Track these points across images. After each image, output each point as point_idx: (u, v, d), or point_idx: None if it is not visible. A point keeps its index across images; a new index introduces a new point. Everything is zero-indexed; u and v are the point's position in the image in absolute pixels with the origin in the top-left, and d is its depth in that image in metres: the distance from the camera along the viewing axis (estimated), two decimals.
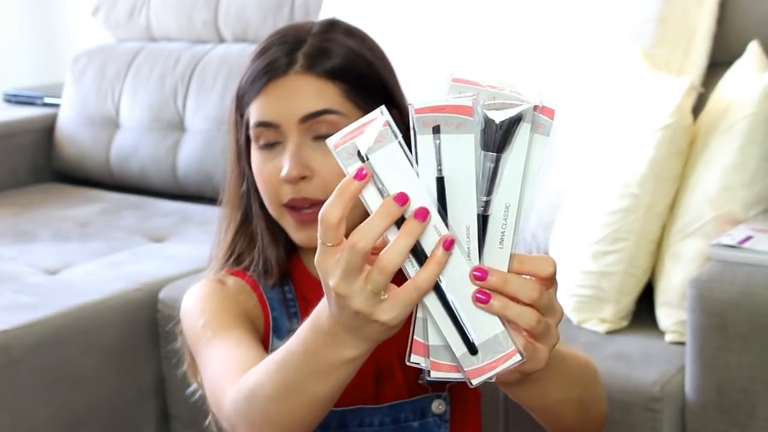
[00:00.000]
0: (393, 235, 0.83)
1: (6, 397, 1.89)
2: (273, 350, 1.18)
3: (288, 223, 1.19)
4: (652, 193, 1.71)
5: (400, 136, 0.83)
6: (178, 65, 2.84)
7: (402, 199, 0.82)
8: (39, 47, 3.64)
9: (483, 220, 0.84)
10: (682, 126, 1.71)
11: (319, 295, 1.19)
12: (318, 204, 1.12)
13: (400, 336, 1.19)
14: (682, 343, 1.65)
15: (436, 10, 2.24)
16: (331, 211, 0.82)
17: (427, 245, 0.84)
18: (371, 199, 0.84)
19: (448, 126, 0.83)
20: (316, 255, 0.85)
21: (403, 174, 0.83)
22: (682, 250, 1.70)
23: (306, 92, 1.15)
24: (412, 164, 0.84)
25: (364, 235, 0.81)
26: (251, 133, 1.18)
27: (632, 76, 1.83)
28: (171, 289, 2.08)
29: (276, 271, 1.22)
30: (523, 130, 0.83)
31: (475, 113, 0.82)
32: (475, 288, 0.84)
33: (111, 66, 2.95)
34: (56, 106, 3.07)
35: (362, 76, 1.18)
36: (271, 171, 1.16)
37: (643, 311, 1.77)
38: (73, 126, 2.99)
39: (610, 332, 1.75)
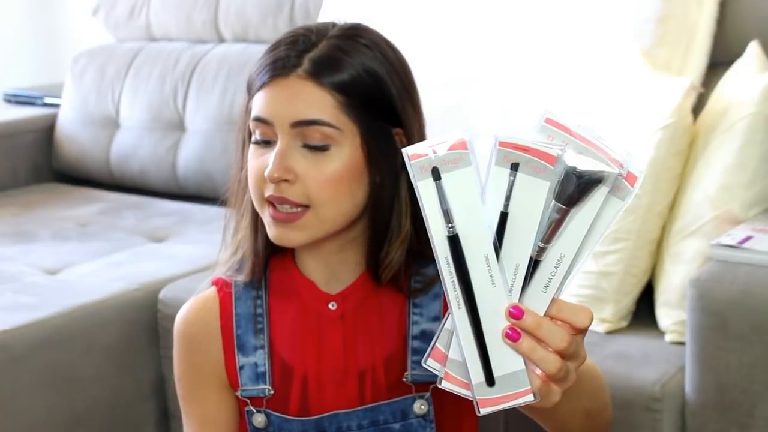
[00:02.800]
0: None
1: (6, 397, 1.89)
2: (240, 367, 1.20)
3: (266, 217, 1.17)
4: (651, 192, 1.71)
5: (476, 161, 0.84)
6: (178, 65, 2.84)
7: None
8: (39, 47, 3.64)
9: (534, 263, 0.85)
10: (682, 126, 1.71)
11: (306, 291, 1.19)
12: (297, 206, 1.13)
13: (387, 336, 1.20)
14: (682, 343, 1.65)
15: (437, 10, 2.24)
16: None
17: (474, 269, 0.84)
18: (433, 218, 0.85)
19: (528, 167, 0.83)
20: None
21: (469, 199, 0.84)
22: (682, 250, 1.70)
23: (303, 98, 1.12)
24: (481, 192, 0.84)
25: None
26: (250, 124, 1.18)
27: (632, 76, 1.83)
28: (171, 289, 2.07)
29: (249, 268, 1.21)
30: (599, 192, 0.84)
31: (558, 163, 0.83)
32: (507, 324, 0.85)
33: (111, 66, 2.95)
34: (56, 106, 3.07)
35: (366, 93, 1.14)
36: (260, 165, 1.15)
37: (643, 311, 1.77)
38: (73, 126, 2.99)
39: (610, 332, 1.75)
